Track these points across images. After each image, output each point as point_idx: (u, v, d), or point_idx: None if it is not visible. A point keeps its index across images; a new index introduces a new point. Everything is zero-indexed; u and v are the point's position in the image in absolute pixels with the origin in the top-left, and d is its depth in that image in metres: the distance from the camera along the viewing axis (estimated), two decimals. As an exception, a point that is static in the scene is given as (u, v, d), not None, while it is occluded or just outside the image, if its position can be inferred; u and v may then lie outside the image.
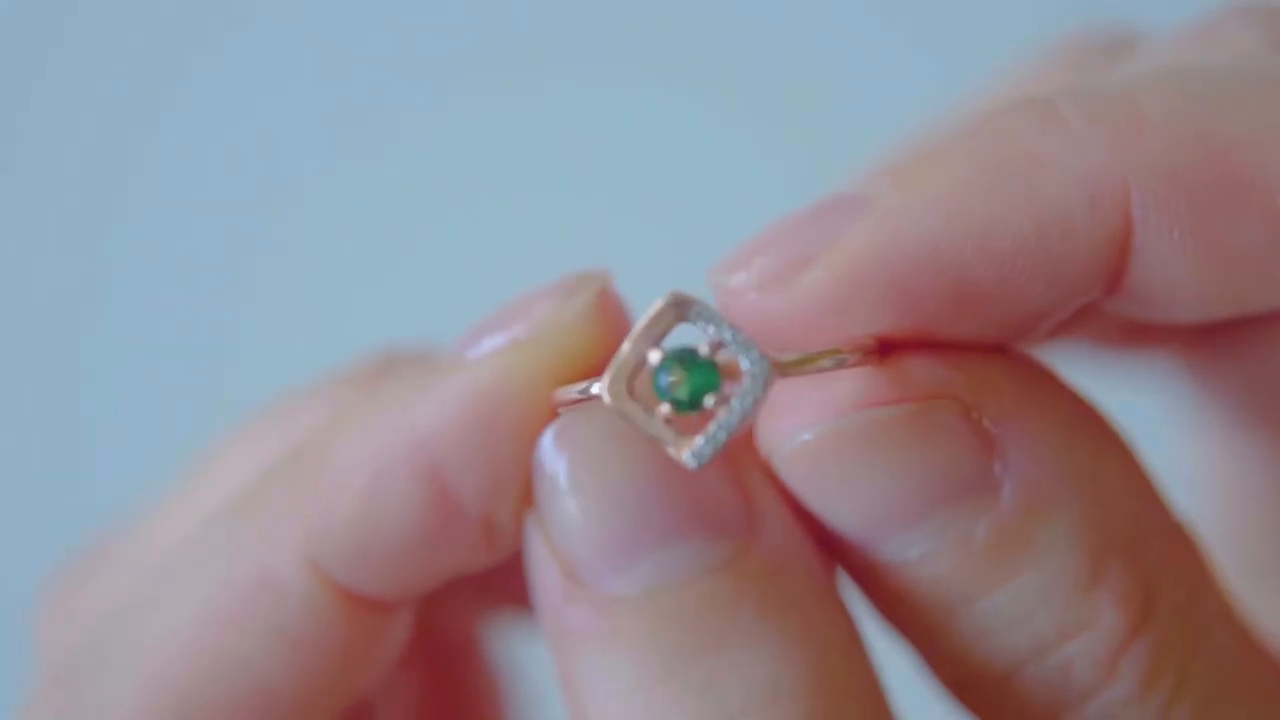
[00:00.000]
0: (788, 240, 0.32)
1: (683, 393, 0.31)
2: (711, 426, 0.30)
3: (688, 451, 0.31)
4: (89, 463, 0.76)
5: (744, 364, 0.30)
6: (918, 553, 0.33)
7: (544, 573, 0.33)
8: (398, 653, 0.37)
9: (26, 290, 0.79)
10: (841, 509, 0.33)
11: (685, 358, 0.31)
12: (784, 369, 0.31)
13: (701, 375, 0.31)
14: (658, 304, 0.31)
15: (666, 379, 0.31)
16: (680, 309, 0.31)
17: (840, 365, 0.32)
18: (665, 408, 0.31)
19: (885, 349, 0.32)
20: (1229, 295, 0.33)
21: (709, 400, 0.31)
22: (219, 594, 0.35)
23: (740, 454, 0.33)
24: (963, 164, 0.32)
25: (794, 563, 0.33)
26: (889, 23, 0.75)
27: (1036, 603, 0.32)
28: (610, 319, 0.34)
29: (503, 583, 0.42)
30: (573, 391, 0.32)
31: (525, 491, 0.33)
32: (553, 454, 0.33)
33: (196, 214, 0.78)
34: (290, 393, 0.41)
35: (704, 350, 0.31)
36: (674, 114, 0.76)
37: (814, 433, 0.32)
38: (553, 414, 0.33)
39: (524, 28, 0.77)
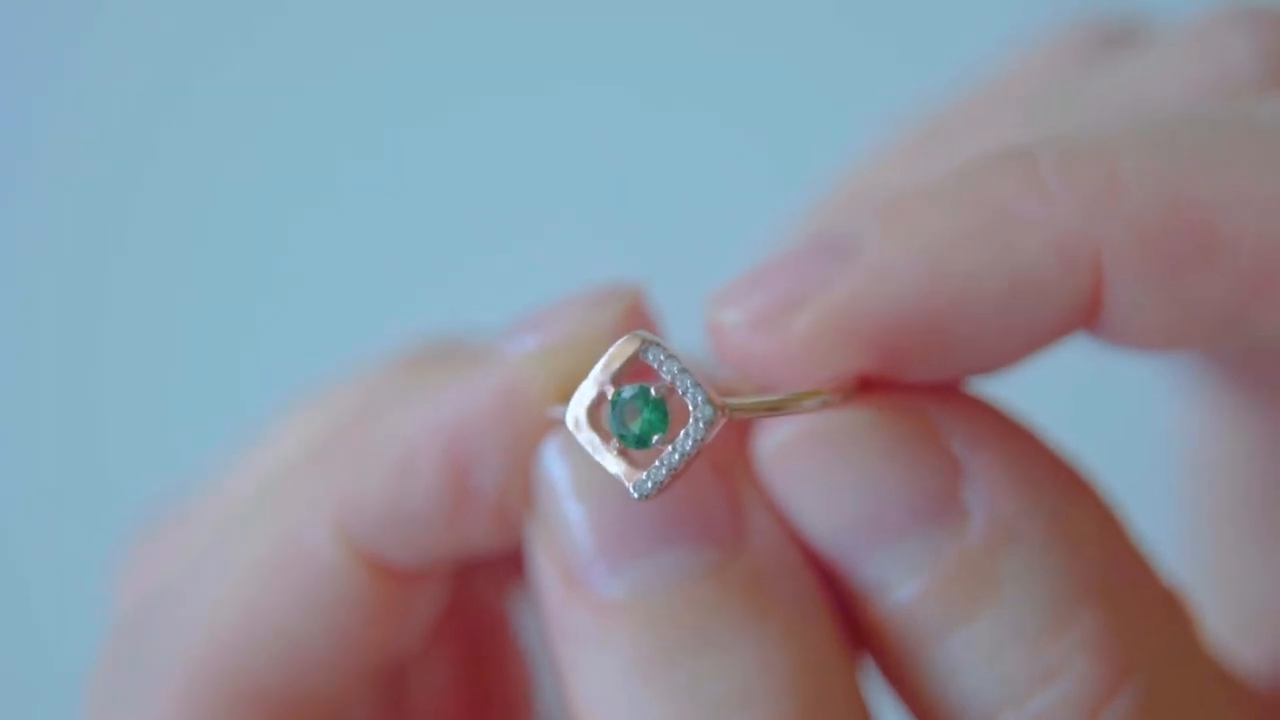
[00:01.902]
0: (779, 281, 0.34)
1: (634, 429, 0.33)
2: (655, 463, 0.32)
3: (631, 484, 0.32)
4: (146, 447, 0.79)
5: (690, 407, 0.32)
6: (890, 577, 0.34)
7: (544, 575, 0.35)
8: (428, 625, 0.39)
9: (68, 280, 0.81)
10: (814, 516, 0.34)
11: (639, 397, 0.33)
12: (734, 412, 0.32)
13: (651, 414, 0.33)
14: (619, 342, 0.33)
15: (620, 415, 0.33)
16: (640, 348, 0.33)
17: (825, 406, 0.33)
18: (615, 441, 0.33)
19: (865, 388, 0.34)
20: (1196, 341, 0.34)
21: (655, 439, 0.33)
22: (260, 560, 0.37)
23: (732, 467, 0.35)
24: (945, 218, 0.33)
25: (779, 572, 0.34)
26: (881, 19, 0.75)
27: (1004, 642, 0.33)
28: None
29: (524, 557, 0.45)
30: (558, 412, 0.34)
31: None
32: (554, 462, 0.35)
33: (249, 208, 0.80)
34: (338, 375, 0.44)
35: (655, 391, 0.33)
36: (689, 121, 0.77)
37: (789, 431, 0.34)
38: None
39: (542, 36, 0.78)
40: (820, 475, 0.34)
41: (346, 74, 0.79)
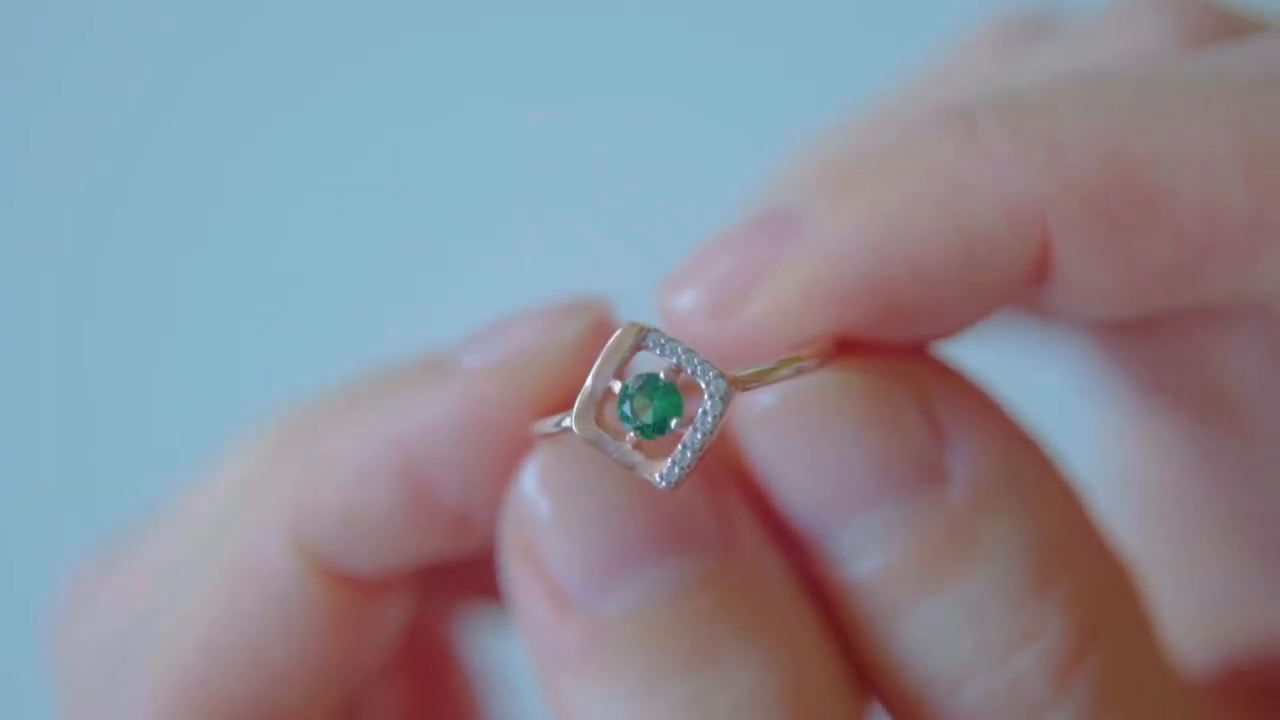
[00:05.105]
0: (728, 263, 0.34)
1: (648, 418, 0.32)
2: (678, 448, 0.32)
3: (657, 474, 0.32)
4: (99, 470, 0.79)
5: (703, 385, 0.32)
6: (869, 544, 0.34)
7: (530, 599, 0.34)
8: (389, 641, 0.39)
9: (40, 294, 0.81)
10: (797, 483, 0.34)
11: (648, 385, 0.32)
12: (743, 384, 0.32)
13: (664, 400, 0.32)
14: (615, 335, 0.32)
15: (631, 407, 0.32)
16: (637, 338, 0.32)
17: (800, 373, 0.33)
18: (632, 434, 0.32)
19: (841, 350, 0.34)
20: (1139, 300, 0.34)
21: (674, 423, 0.32)
22: (219, 577, 0.37)
23: (716, 474, 0.34)
24: (890, 185, 0.33)
25: (769, 575, 0.34)
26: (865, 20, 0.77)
27: (983, 605, 0.33)
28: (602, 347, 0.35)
29: (470, 577, 0.44)
30: (549, 424, 0.33)
31: (498, 496, 0.35)
32: (536, 486, 0.34)
33: (215, 225, 0.80)
34: (294, 402, 0.43)
35: (664, 376, 0.32)
36: (659, 121, 0.77)
37: (776, 397, 0.34)
38: (532, 441, 0.35)
39: (517, 42, 0.79)
40: (811, 439, 0.34)
41: (323, 83, 0.79)
